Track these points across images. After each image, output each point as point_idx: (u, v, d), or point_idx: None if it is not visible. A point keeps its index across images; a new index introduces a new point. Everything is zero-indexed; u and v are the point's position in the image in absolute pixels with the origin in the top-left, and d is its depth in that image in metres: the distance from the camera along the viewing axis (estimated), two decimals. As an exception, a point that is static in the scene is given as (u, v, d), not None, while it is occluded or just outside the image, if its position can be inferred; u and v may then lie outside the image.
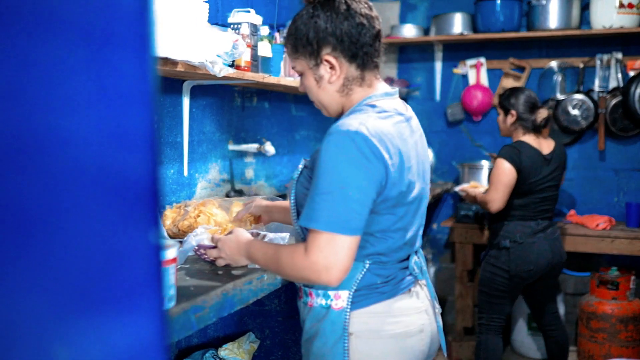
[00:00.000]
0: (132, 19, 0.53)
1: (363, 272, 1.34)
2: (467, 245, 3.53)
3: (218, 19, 2.53)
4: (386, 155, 1.24)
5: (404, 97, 4.10)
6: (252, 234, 1.61)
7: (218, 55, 1.91)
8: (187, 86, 2.37)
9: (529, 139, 2.85)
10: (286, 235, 1.66)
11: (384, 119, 1.29)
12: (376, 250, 1.33)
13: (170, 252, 1.24)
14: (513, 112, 2.87)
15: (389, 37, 4.03)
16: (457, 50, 4.05)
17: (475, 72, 3.98)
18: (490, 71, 3.98)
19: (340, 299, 1.33)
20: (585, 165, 3.84)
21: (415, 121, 1.42)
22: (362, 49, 1.33)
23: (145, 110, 0.55)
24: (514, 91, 2.94)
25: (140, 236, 0.57)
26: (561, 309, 3.55)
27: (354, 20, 1.32)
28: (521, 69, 3.90)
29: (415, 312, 1.39)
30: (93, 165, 0.53)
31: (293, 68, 1.41)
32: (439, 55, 4.09)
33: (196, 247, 1.56)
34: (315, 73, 1.35)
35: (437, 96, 4.13)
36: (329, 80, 1.35)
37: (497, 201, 2.77)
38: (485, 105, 3.93)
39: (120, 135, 0.54)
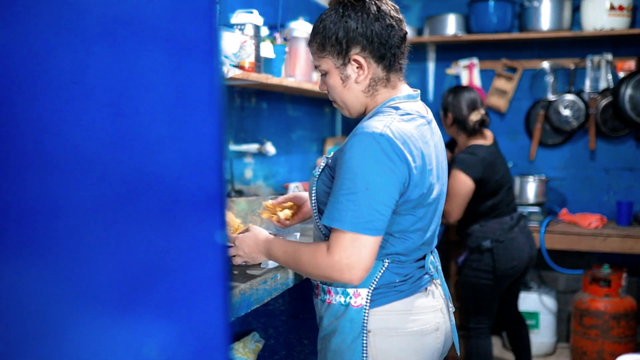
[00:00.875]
0: (205, 29, 0.55)
1: (382, 271, 1.36)
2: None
3: (219, 19, 2.53)
4: (410, 158, 1.26)
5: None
6: None
7: (225, 57, 1.92)
8: (189, 87, 2.37)
9: (479, 139, 2.79)
10: (297, 234, 1.68)
11: (407, 121, 1.32)
12: (395, 249, 1.36)
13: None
14: (449, 114, 2.81)
15: (383, 38, 4.05)
16: (450, 51, 4.09)
17: (468, 72, 4.02)
18: (482, 72, 4.03)
19: (360, 297, 1.36)
20: (576, 164, 3.90)
21: (434, 123, 1.45)
22: (390, 51, 1.36)
23: (215, 115, 0.57)
24: (453, 90, 2.85)
25: (208, 236, 0.58)
26: (553, 307, 3.61)
27: (385, 21, 1.34)
28: (513, 69, 3.95)
29: (431, 311, 1.42)
30: (168, 167, 0.54)
31: (316, 67, 1.42)
32: (431, 55, 4.13)
33: None
34: (342, 72, 1.37)
35: (430, 97, 4.16)
36: (355, 80, 1.37)
37: (454, 213, 2.73)
38: (478, 105, 3.97)
39: (193, 139, 0.55)
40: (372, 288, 1.36)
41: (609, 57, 3.72)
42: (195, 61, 0.54)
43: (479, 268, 2.75)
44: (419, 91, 1.46)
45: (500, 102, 3.95)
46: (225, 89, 0.57)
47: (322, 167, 1.42)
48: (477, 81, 4.01)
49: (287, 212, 1.68)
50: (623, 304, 3.25)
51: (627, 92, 3.61)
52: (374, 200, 1.23)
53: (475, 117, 2.76)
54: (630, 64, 3.70)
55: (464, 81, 4.03)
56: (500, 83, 3.97)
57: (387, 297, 1.37)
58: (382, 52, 1.35)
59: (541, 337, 3.59)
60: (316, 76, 2.89)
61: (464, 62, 4.03)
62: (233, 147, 2.70)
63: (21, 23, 0.46)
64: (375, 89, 1.38)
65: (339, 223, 1.24)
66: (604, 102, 3.72)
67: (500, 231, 2.73)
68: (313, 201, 1.42)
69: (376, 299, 1.36)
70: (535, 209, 3.53)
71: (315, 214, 1.43)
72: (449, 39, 3.86)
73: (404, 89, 1.43)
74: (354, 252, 1.23)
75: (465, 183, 2.68)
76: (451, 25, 3.89)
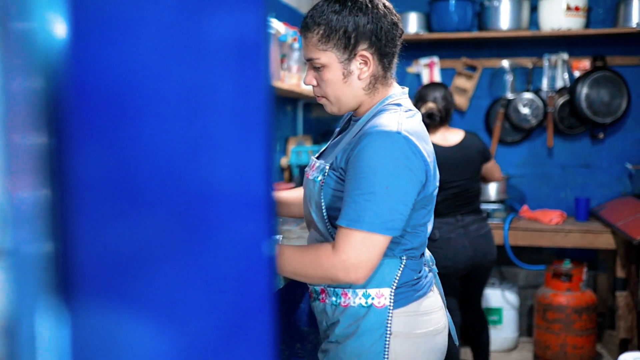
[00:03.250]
0: (260, 37, 0.53)
1: (401, 268, 1.35)
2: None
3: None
4: (425, 154, 1.27)
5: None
6: None
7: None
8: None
9: (432, 136, 2.75)
10: (279, 237, 1.62)
11: (412, 117, 1.33)
12: (412, 244, 1.36)
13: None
14: None
15: (344, 36, 4.03)
16: (411, 49, 4.07)
17: (429, 71, 4.04)
18: (443, 70, 4.06)
19: (383, 297, 1.34)
20: (534, 162, 3.98)
21: None
22: (393, 49, 1.35)
23: (266, 117, 0.53)
24: (424, 86, 2.93)
25: (256, 245, 0.54)
26: (515, 302, 3.66)
27: (391, 18, 1.34)
28: (473, 68, 3.99)
29: (439, 309, 1.43)
30: (225, 170, 0.50)
31: (312, 59, 1.34)
32: (392, 54, 4.13)
33: None
34: (345, 67, 1.33)
35: (391, 95, 4.16)
36: (359, 76, 1.34)
37: None
38: (439, 103, 3.99)
39: (247, 142, 0.51)
40: (394, 287, 1.34)
41: (565, 56, 3.81)
42: (250, 66, 0.51)
43: None
44: (407, 88, 1.45)
45: (460, 101, 3.99)
46: (273, 92, 0.54)
47: (325, 171, 1.36)
48: (437, 79, 4.04)
49: None
50: (584, 297, 3.33)
51: (583, 91, 3.70)
52: (394, 200, 1.22)
53: (423, 109, 2.79)
54: (585, 64, 3.80)
55: (425, 80, 4.05)
56: (460, 82, 4.01)
57: (407, 298, 1.36)
58: (386, 49, 1.34)
59: (504, 333, 3.64)
60: (279, 72, 2.82)
61: (424, 61, 4.04)
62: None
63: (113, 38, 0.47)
64: (374, 87, 1.36)
65: (357, 223, 1.22)
66: (560, 100, 3.81)
67: (436, 229, 2.71)
68: (322, 209, 1.36)
69: (397, 300, 1.35)
70: (498, 206, 3.57)
71: (324, 222, 1.38)
72: (410, 38, 3.87)
73: (396, 86, 1.43)
74: (364, 251, 1.22)
75: None
76: (412, 24, 3.89)
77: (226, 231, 0.49)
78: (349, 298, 1.35)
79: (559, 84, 3.83)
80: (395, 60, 1.40)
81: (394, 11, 1.36)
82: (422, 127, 1.35)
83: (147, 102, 0.45)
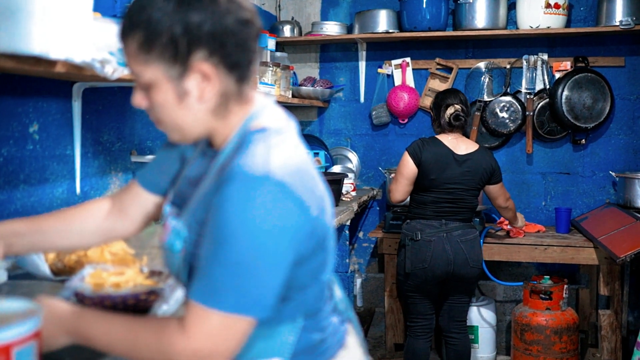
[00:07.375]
0: None
1: (297, 334, 1.04)
2: (396, 256, 3.32)
3: (116, 10, 2.17)
4: (306, 200, 0.95)
5: (327, 99, 3.86)
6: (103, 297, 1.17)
7: (111, 53, 1.57)
8: (77, 89, 2.00)
9: (444, 136, 2.80)
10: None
11: (284, 143, 1.00)
12: (309, 299, 1.05)
13: (28, 325, 0.88)
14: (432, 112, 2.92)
15: (310, 35, 3.77)
16: (382, 49, 3.85)
17: (401, 72, 3.79)
18: (416, 71, 3.81)
19: None
20: (513, 169, 3.74)
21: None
22: (246, 56, 0.99)
23: None
24: (442, 92, 2.97)
25: None
26: (492, 320, 3.42)
27: (239, 14, 0.96)
28: (448, 69, 3.75)
29: None
30: None
31: (136, 78, 0.98)
32: (362, 54, 3.88)
33: (78, 294, 1.21)
34: (177, 86, 0.96)
35: (362, 97, 3.91)
36: (199, 97, 0.97)
37: (395, 192, 2.80)
38: (411, 107, 3.75)
39: None
40: (288, 356, 1.04)
41: (545, 56, 3.58)
42: None
43: (398, 264, 2.85)
44: (269, 92, 1.13)
45: (434, 104, 3.74)
46: None
47: (184, 238, 1.03)
48: (410, 81, 3.79)
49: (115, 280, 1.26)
50: (565, 317, 3.09)
51: (564, 93, 3.48)
52: (263, 270, 0.91)
53: (449, 110, 2.79)
54: (566, 64, 3.57)
55: (397, 81, 3.80)
56: (434, 83, 3.77)
57: None
58: (236, 57, 0.97)
59: (480, 352, 3.40)
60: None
61: (396, 61, 3.79)
62: (136, 159, 2.34)
63: None
64: (226, 109, 1.01)
65: (215, 302, 0.90)
66: (540, 103, 3.58)
67: (419, 231, 2.73)
68: (184, 283, 1.06)
69: None
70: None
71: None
72: (380, 37, 3.62)
73: (257, 97, 1.08)
74: (222, 338, 0.91)
75: (406, 162, 2.75)
76: (382, 22, 3.65)
77: None
78: None
79: (539, 86, 3.60)
80: (255, 69, 1.04)
81: (244, 4, 0.98)
82: (302, 157, 1.02)
83: None
